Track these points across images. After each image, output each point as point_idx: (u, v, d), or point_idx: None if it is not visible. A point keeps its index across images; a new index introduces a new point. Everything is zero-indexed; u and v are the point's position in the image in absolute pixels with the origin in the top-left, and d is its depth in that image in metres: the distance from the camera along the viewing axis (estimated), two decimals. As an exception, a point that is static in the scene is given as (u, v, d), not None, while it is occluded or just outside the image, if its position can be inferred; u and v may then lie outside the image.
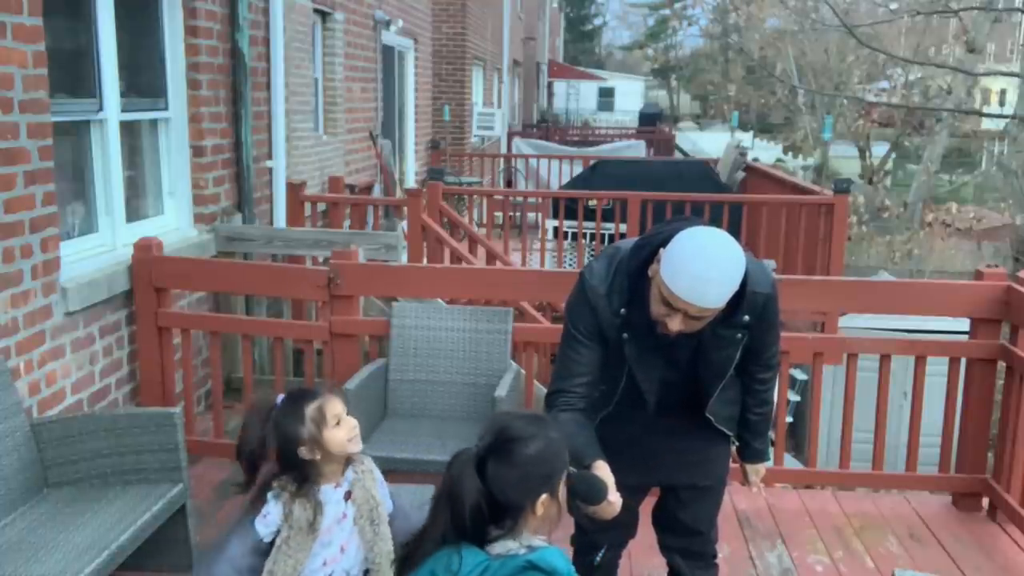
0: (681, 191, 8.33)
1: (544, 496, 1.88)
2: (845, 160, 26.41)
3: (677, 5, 56.67)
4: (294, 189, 6.52)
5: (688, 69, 53.72)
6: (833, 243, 7.50)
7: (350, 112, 8.65)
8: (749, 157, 13.22)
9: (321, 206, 7.21)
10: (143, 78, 4.83)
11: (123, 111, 4.52)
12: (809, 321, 7.11)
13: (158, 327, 4.24)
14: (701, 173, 11.87)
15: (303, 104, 7.06)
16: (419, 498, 2.59)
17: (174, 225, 5.09)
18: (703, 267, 2.14)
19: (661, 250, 2.22)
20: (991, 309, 3.86)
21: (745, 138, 26.93)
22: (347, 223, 7.27)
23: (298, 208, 6.61)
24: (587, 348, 2.40)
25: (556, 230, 8.95)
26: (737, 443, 2.72)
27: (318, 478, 2.35)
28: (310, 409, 2.31)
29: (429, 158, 12.43)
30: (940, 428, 4.05)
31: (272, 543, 2.34)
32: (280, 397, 2.37)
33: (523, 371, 4.25)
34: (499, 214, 9.18)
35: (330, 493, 2.37)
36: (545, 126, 25.68)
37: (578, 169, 12.79)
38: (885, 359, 4.06)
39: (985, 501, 4.01)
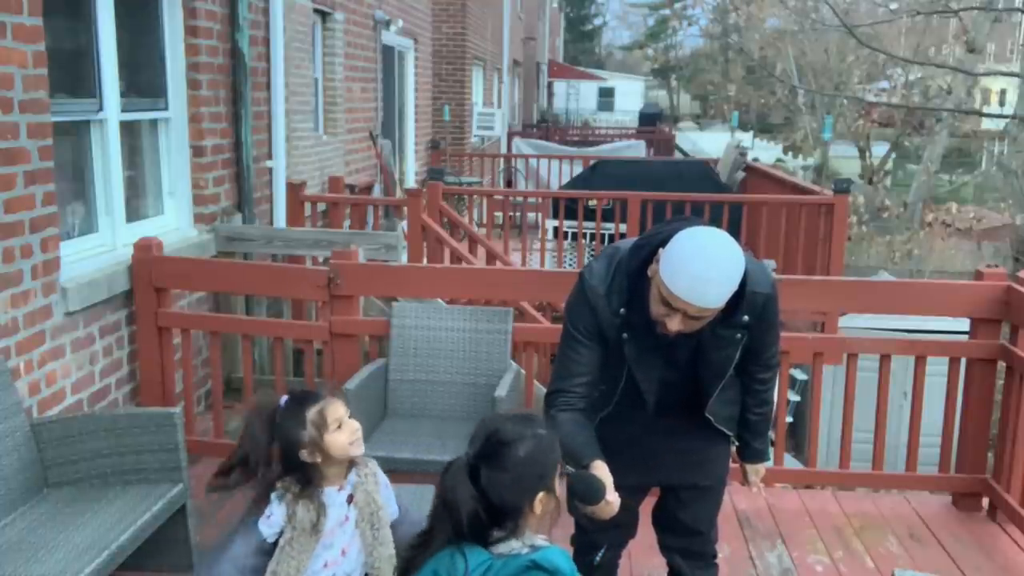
0: (681, 191, 8.33)
1: (541, 494, 1.89)
2: (845, 160, 26.42)
3: (677, 5, 56.70)
4: (294, 189, 6.52)
5: (688, 69, 53.73)
6: (833, 243, 7.50)
7: (350, 112, 8.65)
8: (749, 157, 13.22)
9: (321, 206, 7.21)
10: (143, 78, 4.83)
11: (123, 111, 4.52)
12: (809, 321, 7.11)
13: (158, 327, 4.24)
14: (701, 173, 11.87)
15: (303, 104, 7.06)
16: (419, 498, 2.59)
17: (174, 225, 5.09)
18: (702, 267, 2.14)
19: (660, 250, 2.22)
20: (991, 309, 3.86)
21: (745, 138, 26.94)
22: (347, 223, 7.27)
23: (298, 208, 6.61)
24: (587, 348, 2.40)
25: (556, 230, 8.95)
26: (737, 443, 2.72)
27: (320, 481, 2.35)
28: (311, 413, 2.31)
29: (429, 158, 12.43)
30: (940, 428, 4.05)
31: (275, 544, 2.34)
32: (283, 399, 2.37)
33: (523, 371, 4.25)
34: (499, 214, 9.18)
35: (333, 496, 2.37)
36: (545, 126, 25.68)
37: (578, 169, 12.79)
38: (885, 359, 4.06)
39: (985, 501, 4.01)
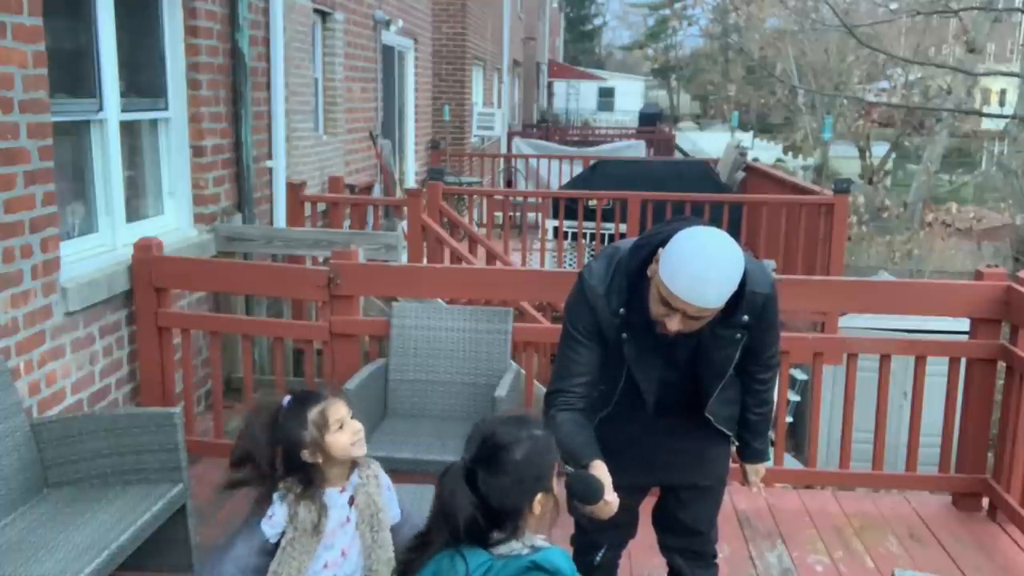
0: (681, 191, 8.33)
1: (540, 495, 1.89)
2: (845, 160, 26.42)
3: (677, 5, 56.68)
4: (294, 189, 6.52)
5: (688, 69, 53.72)
6: (833, 243, 7.51)
7: (350, 112, 8.65)
8: (749, 157, 13.22)
9: (321, 206, 7.21)
10: (143, 78, 4.83)
11: (123, 111, 4.52)
12: (809, 321, 7.11)
13: (158, 327, 4.24)
14: (701, 173, 11.87)
15: (303, 104, 7.06)
16: (419, 498, 2.59)
17: (174, 225, 5.09)
18: (702, 267, 2.14)
19: (660, 250, 2.22)
20: (991, 309, 3.86)
21: (745, 138, 26.94)
22: (347, 223, 7.27)
23: (298, 208, 6.61)
24: (586, 348, 2.40)
25: (556, 230, 8.95)
26: (737, 443, 2.72)
27: (322, 481, 2.35)
28: (313, 413, 2.31)
29: (429, 158, 12.43)
30: (940, 428, 4.05)
31: (277, 544, 2.34)
32: (286, 399, 2.37)
33: (523, 371, 4.26)
34: (499, 214, 9.18)
35: (335, 497, 2.37)
36: (545, 126, 25.68)
37: (578, 169, 12.79)
38: (885, 359, 4.06)
39: (985, 501, 4.01)
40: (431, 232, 6.48)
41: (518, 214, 10.58)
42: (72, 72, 4.21)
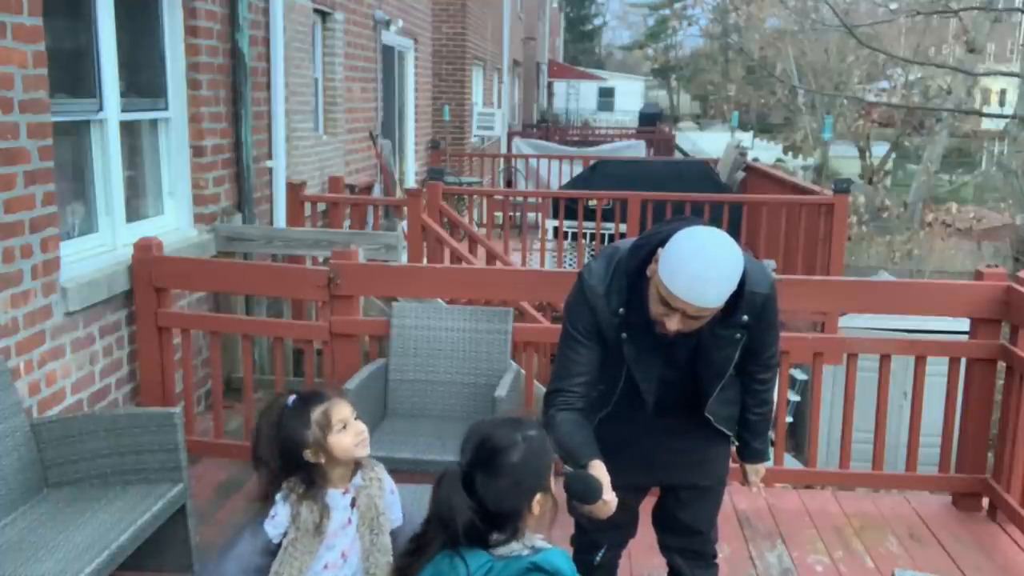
0: (681, 191, 8.33)
1: (538, 495, 1.89)
2: (845, 160, 26.42)
3: (677, 5, 56.68)
4: (294, 189, 6.52)
5: (688, 69, 53.71)
6: (833, 243, 7.51)
7: (350, 112, 8.65)
8: (749, 157, 13.22)
9: (321, 206, 7.21)
10: (143, 78, 4.83)
11: (123, 111, 4.52)
12: (809, 321, 7.11)
13: (158, 327, 4.24)
14: (701, 173, 11.87)
15: (303, 104, 7.06)
16: (419, 498, 2.58)
17: (174, 225, 5.09)
18: (701, 267, 2.14)
19: (659, 250, 2.22)
20: (991, 309, 3.86)
21: (745, 138, 26.94)
22: (347, 223, 7.27)
23: (298, 208, 6.61)
24: (586, 348, 2.40)
25: (556, 230, 8.95)
26: (737, 443, 2.72)
27: (324, 482, 2.34)
28: (316, 413, 2.30)
29: (429, 158, 12.43)
30: (940, 428, 4.05)
31: (280, 545, 2.34)
32: (291, 398, 2.37)
33: (523, 371, 4.26)
34: (499, 214, 9.18)
35: (337, 498, 2.37)
36: (545, 126, 25.68)
37: (578, 169, 12.79)
38: (885, 359, 4.06)
39: (985, 501, 4.01)
40: (431, 232, 6.48)
41: (518, 214, 10.58)
42: (72, 72, 4.21)
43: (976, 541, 3.76)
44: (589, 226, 8.41)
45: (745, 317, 2.36)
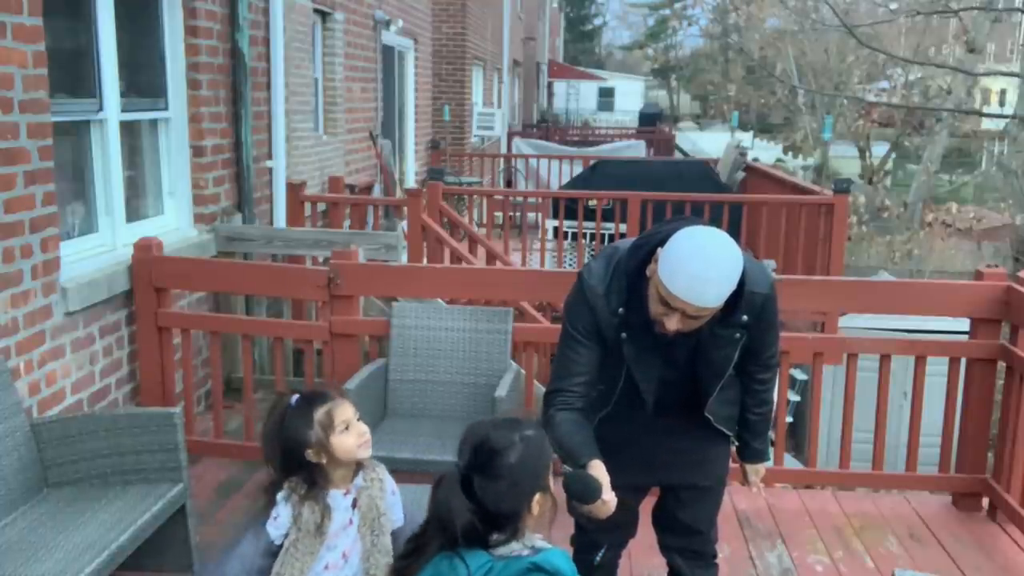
0: (681, 191, 8.33)
1: (538, 495, 1.89)
2: (845, 160, 26.42)
3: (677, 5, 56.67)
4: (294, 189, 6.52)
5: (688, 69, 53.71)
6: (833, 243, 7.51)
7: (350, 112, 8.65)
8: (749, 157, 13.22)
9: (321, 206, 7.21)
10: (143, 78, 4.83)
11: (123, 111, 4.52)
12: (809, 321, 7.11)
13: (158, 327, 4.24)
14: (701, 173, 11.87)
15: (303, 104, 7.06)
16: (419, 498, 2.58)
17: (174, 225, 5.09)
18: (701, 266, 2.14)
19: (659, 249, 2.22)
20: (991, 309, 3.86)
21: (745, 138, 26.94)
22: (347, 223, 7.27)
23: (298, 208, 6.61)
24: (585, 348, 2.40)
25: (556, 230, 8.95)
26: (737, 443, 2.72)
27: (326, 483, 2.34)
28: (319, 413, 2.31)
29: (429, 158, 12.43)
30: (940, 428, 4.05)
31: (282, 546, 2.34)
32: (294, 397, 2.37)
33: (523, 371, 4.25)
34: (499, 214, 9.18)
35: (339, 499, 2.37)
36: (545, 126, 25.68)
37: (578, 169, 12.79)
38: (885, 359, 4.06)
39: (985, 501, 4.01)
40: (431, 232, 6.48)
41: (518, 214, 10.58)
42: (72, 72, 4.21)
43: (976, 541, 3.76)
44: (589, 226, 8.41)
45: (745, 317, 2.36)
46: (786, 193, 9.13)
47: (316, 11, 7.66)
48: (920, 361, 4.03)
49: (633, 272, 2.32)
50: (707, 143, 31.71)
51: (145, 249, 4.21)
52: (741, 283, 2.24)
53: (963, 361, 3.98)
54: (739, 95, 34.85)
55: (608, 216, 8.41)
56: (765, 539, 3.77)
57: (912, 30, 20.65)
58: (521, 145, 15.91)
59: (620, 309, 2.35)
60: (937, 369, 3.99)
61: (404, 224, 7.09)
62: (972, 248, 17.36)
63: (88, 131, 4.34)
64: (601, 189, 9.03)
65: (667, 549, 2.76)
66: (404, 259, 5.98)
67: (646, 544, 2.89)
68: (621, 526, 2.60)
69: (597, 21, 67.73)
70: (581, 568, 2.02)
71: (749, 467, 2.74)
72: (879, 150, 24.45)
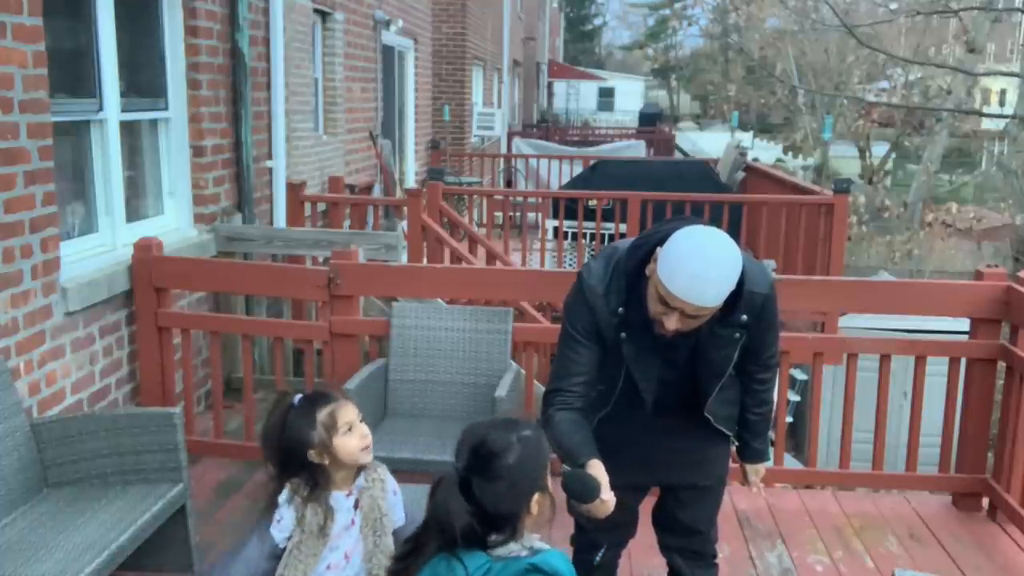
0: (681, 191, 8.33)
1: (536, 495, 1.88)
2: (845, 160, 26.42)
3: (677, 5, 56.67)
4: (294, 189, 6.52)
5: (688, 69, 53.70)
6: (833, 243, 7.51)
7: (350, 112, 8.65)
8: (749, 157, 13.22)
9: (321, 206, 7.21)
10: (143, 78, 4.83)
11: (123, 111, 4.52)
12: (809, 321, 7.11)
13: (158, 327, 4.24)
14: (701, 173, 11.86)
15: (303, 104, 7.06)
16: (419, 498, 2.58)
17: (174, 225, 5.09)
18: (700, 266, 2.14)
19: (658, 249, 2.22)
20: (991, 309, 3.86)
21: (745, 138, 26.94)
22: (347, 223, 7.27)
23: (298, 208, 6.61)
24: (585, 348, 2.40)
25: (556, 230, 8.95)
26: (737, 443, 2.72)
27: (328, 484, 2.34)
28: (322, 414, 2.30)
29: (429, 158, 12.43)
30: (940, 428, 4.05)
31: (285, 548, 2.34)
32: (297, 397, 2.37)
33: (523, 371, 4.26)
34: (499, 214, 9.18)
35: (341, 500, 2.37)
36: (545, 126, 25.68)
37: (578, 169, 12.79)
38: (885, 359, 4.06)
39: (985, 501, 4.01)
40: (431, 232, 6.48)
41: (518, 214, 10.58)
42: (72, 72, 4.21)
43: (976, 541, 3.76)
44: (589, 226, 8.41)
45: (744, 317, 2.36)
46: (786, 193, 9.13)
47: (316, 11, 7.66)
48: (920, 361, 4.03)
49: (632, 272, 2.32)
50: (707, 143, 31.71)
51: (145, 249, 4.21)
52: (741, 283, 2.24)
53: (963, 361, 3.99)
54: (739, 95, 34.84)
55: (608, 216, 8.42)
56: (765, 539, 3.77)
57: (912, 30, 20.65)
58: (521, 145, 15.91)
59: (619, 309, 2.35)
60: (937, 369, 3.99)
61: (404, 224, 7.09)
62: (972, 248, 17.36)
63: (88, 131, 4.34)
64: (601, 189, 9.03)
65: (667, 549, 2.76)
66: (404, 259, 5.98)
67: (646, 544, 2.89)
68: (620, 526, 2.60)
69: (597, 21, 67.79)
70: (581, 568, 2.02)
71: (749, 467, 2.74)
72: (879, 150, 24.45)
